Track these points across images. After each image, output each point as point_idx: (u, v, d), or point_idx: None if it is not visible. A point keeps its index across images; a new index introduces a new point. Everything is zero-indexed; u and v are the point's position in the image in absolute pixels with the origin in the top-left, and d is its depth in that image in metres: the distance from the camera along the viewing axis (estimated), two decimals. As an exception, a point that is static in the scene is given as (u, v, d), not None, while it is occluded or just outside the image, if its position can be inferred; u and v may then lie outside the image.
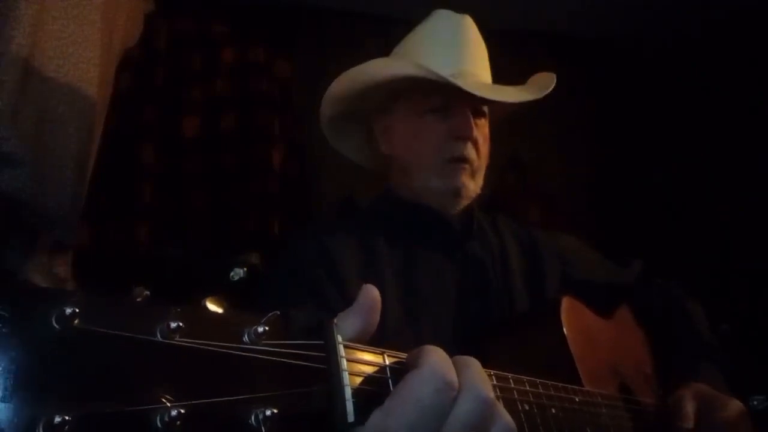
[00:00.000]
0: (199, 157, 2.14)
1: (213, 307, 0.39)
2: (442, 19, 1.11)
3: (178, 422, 0.33)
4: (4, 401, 0.29)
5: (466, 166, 1.02)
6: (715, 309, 1.20)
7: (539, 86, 1.06)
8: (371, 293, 0.48)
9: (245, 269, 1.77)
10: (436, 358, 0.45)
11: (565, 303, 0.87)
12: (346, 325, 0.46)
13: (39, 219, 1.15)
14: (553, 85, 1.05)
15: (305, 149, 2.28)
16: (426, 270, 1.01)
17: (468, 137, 1.01)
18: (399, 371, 0.46)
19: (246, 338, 0.39)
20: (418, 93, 1.04)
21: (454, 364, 0.46)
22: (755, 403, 0.97)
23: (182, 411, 0.33)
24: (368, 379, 0.44)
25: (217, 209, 2.11)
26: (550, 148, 2.63)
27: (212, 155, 2.16)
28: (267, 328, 0.39)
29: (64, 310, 0.31)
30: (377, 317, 0.47)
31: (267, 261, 1.79)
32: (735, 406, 0.90)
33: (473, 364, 0.47)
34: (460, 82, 0.97)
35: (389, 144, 1.11)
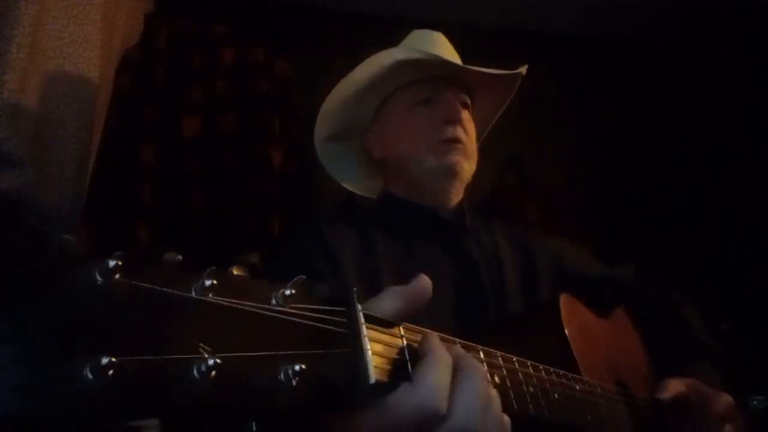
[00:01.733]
0: (199, 157, 2.14)
1: (239, 273, 0.41)
2: (417, 33, 1.21)
3: (214, 372, 0.34)
4: (54, 345, 0.30)
5: (459, 146, 1.08)
6: (715, 309, 1.20)
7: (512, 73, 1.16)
8: (424, 283, 0.51)
9: (245, 269, 1.77)
10: (434, 377, 0.47)
11: (564, 301, 0.88)
12: (386, 300, 0.50)
13: (39, 219, 1.15)
14: (524, 70, 1.16)
15: (305, 149, 2.28)
16: (424, 262, 1.03)
17: (457, 120, 1.08)
18: (412, 344, 0.49)
19: (274, 301, 0.41)
20: (405, 89, 1.12)
21: (456, 373, 0.49)
22: (755, 403, 0.97)
23: (218, 361, 0.34)
24: (387, 347, 0.47)
25: (217, 209, 2.11)
26: (550, 148, 2.63)
27: (212, 155, 2.16)
28: (293, 291, 0.42)
29: (108, 263, 0.33)
30: (418, 308, 0.50)
31: (267, 261, 1.79)
32: (724, 399, 0.91)
33: (474, 379, 0.49)
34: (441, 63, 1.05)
35: (383, 147, 1.15)
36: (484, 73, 1.12)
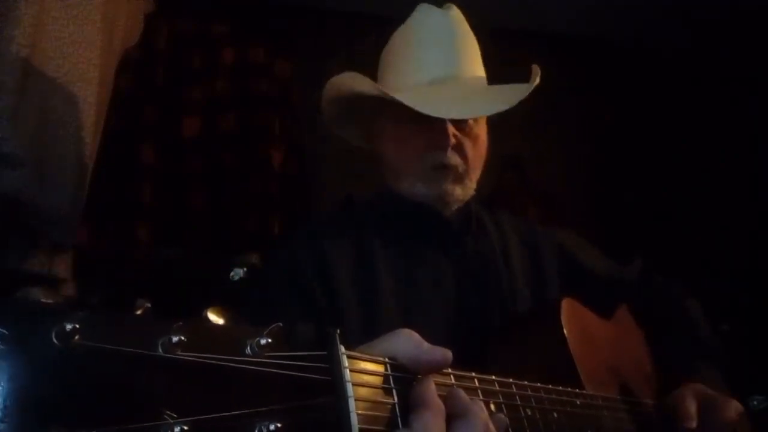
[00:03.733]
0: (199, 157, 2.14)
1: (214, 317, 0.39)
2: (426, 17, 1.09)
3: None
4: (4, 421, 0.28)
5: (450, 173, 1.01)
6: (715, 309, 1.20)
7: (520, 90, 1.00)
8: (447, 356, 0.49)
9: (245, 269, 1.77)
10: (429, 428, 0.45)
11: (565, 304, 0.87)
12: (405, 343, 0.48)
13: (39, 219, 1.15)
14: (536, 82, 0.99)
15: (305, 149, 2.28)
16: (423, 266, 1.01)
17: (445, 146, 0.99)
18: (402, 380, 0.46)
19: (249, 350, 0.38)
20: (397, 103, 1.01)
21: (453, 421, 0.47)
22: (755, 403, 0.97)
23: (185, 428, 0.32)
24: (372, 390, 0.44)
25: (217, 209, 2.11)
26: (550, 148, 2.63)
27: (212, 155, 2.16)
28: (270, 339, 0.39)
29: (65, 326, 0.30)
30: (427, 370, 0.48)
31: (266, 263, 1.79)
32: (734, 406, 0.90)
33: (473, 428, 0.47)
34: (431, 99, 0.95)
35: (380, 147, 1.11)
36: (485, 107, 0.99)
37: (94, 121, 1.32)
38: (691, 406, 0.88)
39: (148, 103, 2.13)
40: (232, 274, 1.78)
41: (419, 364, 0.48)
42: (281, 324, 0.40)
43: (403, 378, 0.47)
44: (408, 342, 0.49)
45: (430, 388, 0.47)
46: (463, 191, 1.04)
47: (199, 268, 1.87)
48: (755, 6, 2.30)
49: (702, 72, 2.65)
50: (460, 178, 1.02)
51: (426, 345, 0.49)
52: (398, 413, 0.45)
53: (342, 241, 1.00)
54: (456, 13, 1.10)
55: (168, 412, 0.33)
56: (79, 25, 1.28)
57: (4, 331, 0.29)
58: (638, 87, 2.71)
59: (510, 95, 0.98)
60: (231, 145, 2.19)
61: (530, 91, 0.98)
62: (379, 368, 0.46)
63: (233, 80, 2.26)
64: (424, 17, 1.09)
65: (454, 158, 1.00)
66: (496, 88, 1.06)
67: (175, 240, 2.04)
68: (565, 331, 0.82)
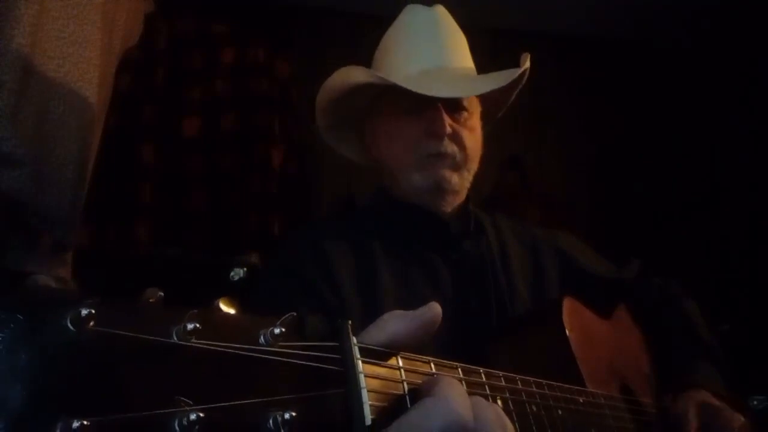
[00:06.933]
0: (199, 157, 2.15)
1: (225, 307, 0.39)
2: (413, 15, 1.12)
3: (197, 426, 0.32)
4: (20, 406, 0.28)
5: (446, 160, 1.02)
6: (715, 309, 1.20)
7: (510, 73, 1.02)
8: (434, 310, 0.48)
9: (245, 269, 1.77)
10: (455, 394, 0.44)
11: (566, 304, 0.87)
12: (394, 323, 0.47)
13: (39, 219, 1.15)
14: (525, 66, 1.03)
15: (305, 149, 2.29)
16: (422, 269, 1.01)
17: (441, 135, 1.00)
18: (413, 372, 0.46)
19: (262, 340, 0.38)
20: (391, 96, 1.04)
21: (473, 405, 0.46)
22: (755, 403, 0.97)
23: (201, 415, 0.32)
24: (384, 382, 0.44)
25: (217, 209, 2.12)
26: (550, 148, 2.64)
27: (212, 155, 2.16)
28: (283, 329, 0.39)
29: (80, 312, 0.30)
30: (424, 336, 0.48)
31: (267, 261, 1.79)
32: (737, 420, 0.90)
33: (492, 414, 0.46)
34: (423, 83, 0.97)
35: (376, 147, 1.11)
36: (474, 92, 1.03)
37: (94, 121, 1.32)
38: (694, 419, 0.88)
39: (148, 103, 2.13)
40: (232, 274, 1.78)
41: (418, 330, 0.48)
42: (294, 314, 0.40)
43: (414, 370, 0.47)
44: (397, 321, 0.48)
45: (442, 380, 0.47)
46: (460, 180, 1.04)
47: (199, 268, 1.87)
48: (755, 5, 2.31)
49: (703, 72, 2.65)
50: (457, 167, 1.03)
51: (411, 312, 0.48)
52: (409, 406, 0.45)
53: (343, 244, 1.00)
54: (442, 11, 1.12)
55: (183, 399, 0.33)
56: (79, 25, 1.28)
57: (19, 316, 0.29)
58: (639, 87, 2.72)
59: (500, 77, 1.01)
60: (231, 145, 2.19)
61: (520, 73, 1.01)
62: (391, 360, 0.46)
63: (233, 80, 2.27)
64: (411, 16, 1.12)
65: (450, 146, 1.01)
66: (487, 75, 1.07)
67: (175, 240, 2.04)
68: (567, 331, 0.82)
